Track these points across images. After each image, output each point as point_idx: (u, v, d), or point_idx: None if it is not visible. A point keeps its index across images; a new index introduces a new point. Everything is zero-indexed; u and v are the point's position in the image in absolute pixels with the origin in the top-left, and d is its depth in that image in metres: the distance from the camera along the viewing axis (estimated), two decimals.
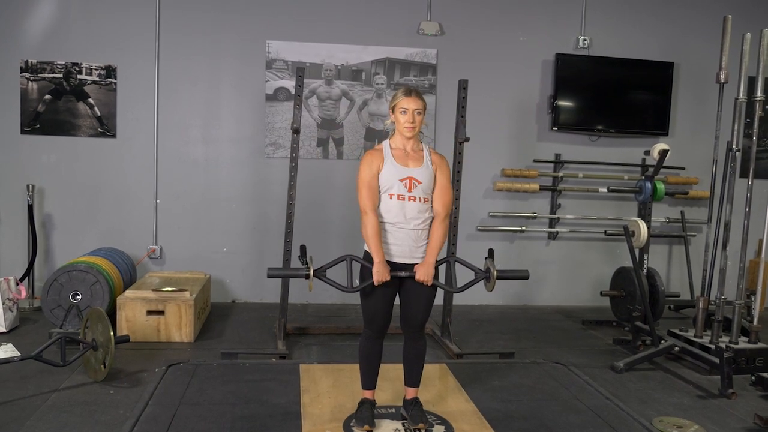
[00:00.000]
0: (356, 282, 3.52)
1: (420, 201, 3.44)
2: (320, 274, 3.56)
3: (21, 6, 6.40)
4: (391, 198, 3.44)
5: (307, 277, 3.51)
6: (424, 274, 3.43)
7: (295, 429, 3.57)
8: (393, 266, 3.45)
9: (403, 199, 3.43)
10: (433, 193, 3.53)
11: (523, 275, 3.75)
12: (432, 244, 3.49)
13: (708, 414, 4.18)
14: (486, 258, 3.64)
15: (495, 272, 3.58)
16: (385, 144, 3.55)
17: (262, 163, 6.81)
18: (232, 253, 6.84)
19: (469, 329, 6.08)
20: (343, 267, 3.57)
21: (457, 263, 3.77)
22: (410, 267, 3.47)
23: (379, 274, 3.37)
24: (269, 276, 3.69)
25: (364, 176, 3.47)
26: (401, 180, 3.43)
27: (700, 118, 7.23)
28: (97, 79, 6.54)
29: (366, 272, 3.47)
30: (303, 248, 3.59)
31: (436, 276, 3.48)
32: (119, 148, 6.63)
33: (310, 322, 6.09)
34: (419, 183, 3.45)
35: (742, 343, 5.06)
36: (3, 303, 5.40)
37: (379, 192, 3.48)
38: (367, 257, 3.49)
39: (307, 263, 3.53)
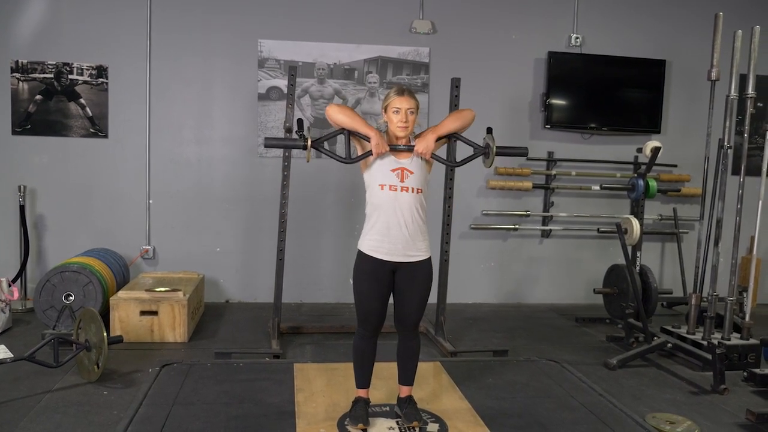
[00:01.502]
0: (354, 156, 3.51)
1: (413, 192, 3.42)
2: (317, 144, 3.55)
3: (11, 6, 6.37)
4: (382, 188, 3.41)
5: (305, 147, 3.49)
6: (423, 146, 3.41)
7: (290, 428, 3.57)
8: (383, 264, 3.44)
9: (396, 189, 3.40)
10: (427, 186, 3.51)
11: (522, 152, 3.82)
12: (441, 122, 3.51)
13: (700, 410, 4.19)
14: (486, 134, 3.64)
15: (494, 147, 3.57)
16: None
17: (254, 163, 6.80)
18: (225, 252, 6.83)
19: (463, 327, 6.09)
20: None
21: (458, 141, 3.71)
22: (405, 265, 3.44)
23: (378, 146, 3.35)
24: (266, 146, 3.73)
25: None
26: (392, 170, 3.42)
27: (692, 115, 7.25)
28: (89, 79, 6.52)
29: (360, 266, 3.46)
30: (300, 121, 3.59)
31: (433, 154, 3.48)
32: (111, 149, 6.61)
33: (303, 322, 6.08)
34: (411, 173, 3.43)
35: (735, 340, 5.09)
36: None
37: (369, 185, 3.48)
38: (361, 258, 3.48)
39: (304, 135, 3.50)
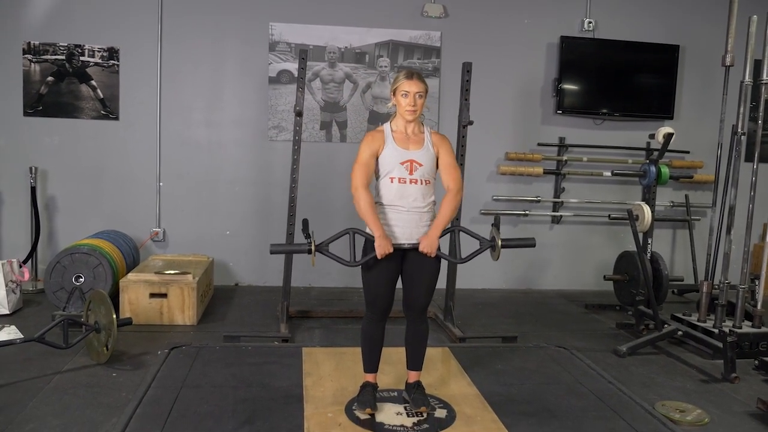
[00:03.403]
0: (359, 257, 3.49)
1: (422, 183, 3.43)
2: (322, 248, 3.53)
3: None
4: (392, 181, 3.42)
5: (310, 252, 3.48)
6: (427, 246, 3.40)
7: (297, 412, 3.57)
8: (394, 248, 3.43)
9: (405, 182, 3.41)
10: (435, 176, 3.52)
11: (529, 243, 3.72)
12: (439, 217, 3.46)
13: (711, 398, 4.17)
14: (492, 227, 3.61)
15: (500, 241, 3.55)
16: (386, 126, 3.53)
17: (265, 146, 6.79)
18: (235, 236, 6.84)
19: (472, 313, 6.08)
20: (346, 242, 3.54)
21: (461, 233, 3.70)
22: (414, 250, 3.44)
23: (382, 247, 3.33)
24: (272, 252, 3.68)
25: (362, 155, 3.46)
26: (402, 163, 3.41)
27: (706, 101, 7.19)
28: (100, 61, 6.51)
29: (369, 246, 3.45)
30: (305, 222, 3.54)
31: (438, 248, 3.46)
32: (122, 131, 6.62)
33: (312, 306, 6.09)
34: (420, 165, 3.43)
35: (746, 328, 5.05)
36: (6, 285, 5.40)
37: (379, 175, 3.47)
38: (370, 242, 3.47)
39: (309, 237, 3.50)
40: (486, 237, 3.64)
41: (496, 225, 3.62)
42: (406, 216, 3.42)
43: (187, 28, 6.61)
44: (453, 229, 3.67)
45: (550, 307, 6.51)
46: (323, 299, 6.44)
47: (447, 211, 3.47)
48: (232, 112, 6.77)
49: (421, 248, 3.40)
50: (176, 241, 6.77)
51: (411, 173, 3.41)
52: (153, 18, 6.55)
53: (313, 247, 3.48)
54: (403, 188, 3.41)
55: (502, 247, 3.57)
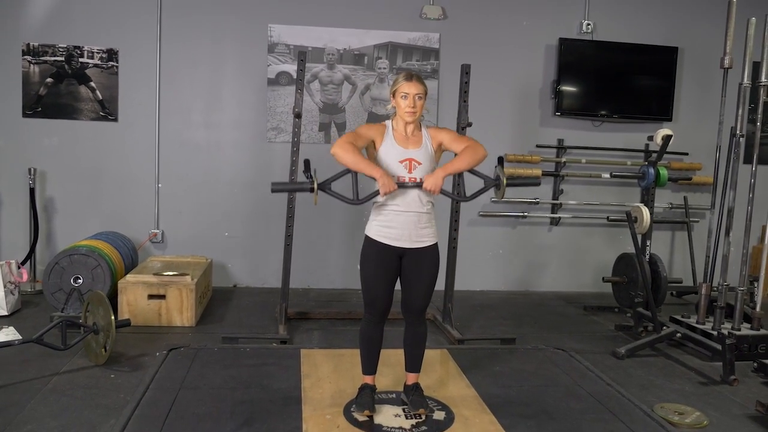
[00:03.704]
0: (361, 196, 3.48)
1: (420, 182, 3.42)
2: (325, 186, 3.52)
3: None
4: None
5: (312, 190, 3.47)
6: (431, 183, 3.35)
7: (296, 414, 3.57)
8: (390, 249, 3.44)
9: (403, 180, 3.40)
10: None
11: (534, 182, 3.73)
12: (452, 161, 3.43)
13: (709, 401, 4.17)
14: (496, 166, 3.59)
15: (504, 179, 3.52)
16: (388, 123, 3.54)
17: (263, 148, 6.79)
18: (233, 237, 6.84)
19: (471, 315, 6.07)
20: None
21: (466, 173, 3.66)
22: (412, 251, 3.45)
23: (385, 185, 3.29)
24: (273, 190, 3.68)
25: (358, 129, 3.50)
26: (401, 161, 3.41)
27: (704, 103, 7.19)
28: (99, 62, 6.51)
29: (368, 247, 3.45)
30: (307, 162, 3.53)
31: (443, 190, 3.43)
32: (121, 132, 6.61)
33: (311, 307, 6.09)
34: (419, 164, 3.42)
35: (745, 330, 5.06)
36: (5, 286, 5.40)
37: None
38: (368, 243, 3.48)
39: (311, 177, 3.48)
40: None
41: (500, 164, 3.59)
42: (405, 217, 3.41)
43: (186, 30, 6.61)
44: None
45: (549, 308, 6.51)
46: (322, 301, 6.43)
47: (462, 157, 3.43)
48: (231, 113, 6.77)
49: (425, 185, 3.35)
50: (175, 242, 6.77)
51: (410, 172, 3.41)
52: (152, 20, 6.55)
53: (315, 186, 3.46)
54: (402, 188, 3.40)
55: (507, 185, 3.53)
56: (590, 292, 7.21)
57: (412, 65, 6.85)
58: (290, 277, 5.48)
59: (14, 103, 6.44)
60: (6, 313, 5.40)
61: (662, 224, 7.29)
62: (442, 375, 4.30)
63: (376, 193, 3.37)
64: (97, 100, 6.54)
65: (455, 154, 3.50)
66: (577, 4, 7.08)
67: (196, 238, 6.76)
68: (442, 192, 3.43)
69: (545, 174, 7.04)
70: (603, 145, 7.16)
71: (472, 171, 3.55)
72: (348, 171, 3.48)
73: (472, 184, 3.71)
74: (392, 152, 3.43)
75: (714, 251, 5.37)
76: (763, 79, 4.95)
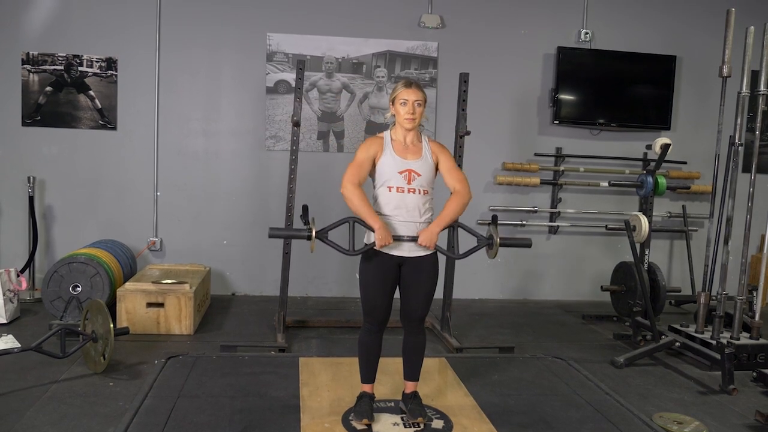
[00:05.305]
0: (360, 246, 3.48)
1: (420, 193, 3.44)
2: (322, 235, 3.51)
3: None
4: (390, 191, 3.43)
5: (309, 238, 3.47)
6: (426, 239, 3.38)
7: (294, 422, 3.57)
8: (389, 258, 3.44)
9: (403, 191, 3.42)
10: (434, 186, 3.52)
11: (525, 243, 3.74)
12: (443, 213, 3.46)
13: (709, 410, 4.17)
14: (489, 225, 3.61)
15: (498, 239, 3.54)
16: (386, 134, 3.55)
17: (262, 156, 6.79)
18: (232, 245, 6.84)
19: (469, 323, 6.07)
20: (345, 234, 3.52)
21: (460, 229, 3.66)
22: (411, 259, 3.46)
23: (383, 239, 3.32)
24: (271, 236, 3.64)
25: (358, 156, 3.48)
26: (400, 172, 3.43)
27: (703, 112, 7.21)
28: (98, 71, 6.52)
29: (367, 254, 3.46)
30: (305, 208, 3.53)
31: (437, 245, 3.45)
32: (120, 141, 6.62)
33: (309, 315, 6.08)
34: (418, 175, 3.44)
35: (744, 339, 5.06)
36: (4, 294, 5.39)
37: (376, 184, 3.49)
38: (367, 251, 3.48)
39: (309, 224, 3.50)
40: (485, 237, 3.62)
41: (494, 223, 3.61)
42: (404, 227, 3.42)
43: (184, 39, 6.62)
44: (452, 225, 3.62)
45: (547, 317, 6.51)
46: (320, 309, 6.43)
47: (451, 208, 3.47)
48: (230, 122, 6.78)
49: (420, 241, 3.39)
50: (173, 250, 6.77)
51: (409, 183, 3.43)
52: (151, 29, 6.56)
53: (312, 234, 3.47)
54: (402, 198, 3.42)
55: (500, 245, 3.55)
56: (589, 300, 7.20)
57: (411, 74, 6.86)
58: (288, 285, 5.47)
59: (14, 111, 6.45)
60: (5, 321, 5.39)
61: (661, 233, 7.30)
62: (440, 383, 4.30)
63: (372, 245, 3.40)
64: (96, 108, 6.55)
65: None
66: (575, 13, 7.11)
67: (195, 246, 6.75)
68: (437, 249, 3.48)
69: (543, 182, 7.05)
70: (601, 154, 7.17)
71: (467, 229, 3.63)
72: (346, 220, 3.51)
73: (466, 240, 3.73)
74: (392, 163, 3.44)
75: (713, 260, 5.37)
76: (761, 87, 4.97)
